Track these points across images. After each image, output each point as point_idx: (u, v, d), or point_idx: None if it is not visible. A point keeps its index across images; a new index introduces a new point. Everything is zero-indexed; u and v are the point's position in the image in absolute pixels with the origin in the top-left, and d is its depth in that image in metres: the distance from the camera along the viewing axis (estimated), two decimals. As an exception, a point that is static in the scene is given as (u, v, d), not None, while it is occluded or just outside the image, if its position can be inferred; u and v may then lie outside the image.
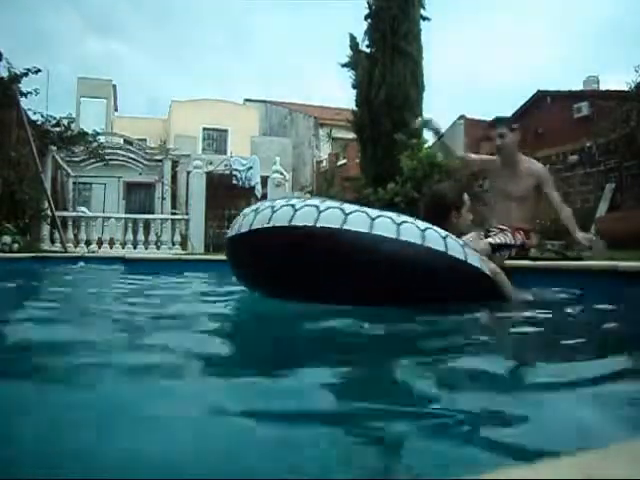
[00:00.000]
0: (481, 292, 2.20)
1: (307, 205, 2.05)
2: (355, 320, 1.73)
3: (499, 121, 3.80)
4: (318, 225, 1.98)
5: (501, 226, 3.54)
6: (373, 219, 2.00)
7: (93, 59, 66.58)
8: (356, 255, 2.00)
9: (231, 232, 2.31)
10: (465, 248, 2.14)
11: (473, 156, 4.05)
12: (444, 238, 2.08)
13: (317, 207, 2.03)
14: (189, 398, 0.93)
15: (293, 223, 1.99)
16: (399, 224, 2.02)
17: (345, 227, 1.97)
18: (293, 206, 2.05)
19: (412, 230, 2.02)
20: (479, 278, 2.16)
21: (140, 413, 0.82)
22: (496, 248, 3.32)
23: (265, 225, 2.06)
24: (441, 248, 2.03)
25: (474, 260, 2.16)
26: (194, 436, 0.74)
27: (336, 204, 2.11)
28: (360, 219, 2.00)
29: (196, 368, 1.20)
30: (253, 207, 2.27)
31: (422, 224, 2.10)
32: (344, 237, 1.97)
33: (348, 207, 2.07)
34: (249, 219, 2.16)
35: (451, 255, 2.05)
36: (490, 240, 3.36)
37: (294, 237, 2.03)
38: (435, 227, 2.12)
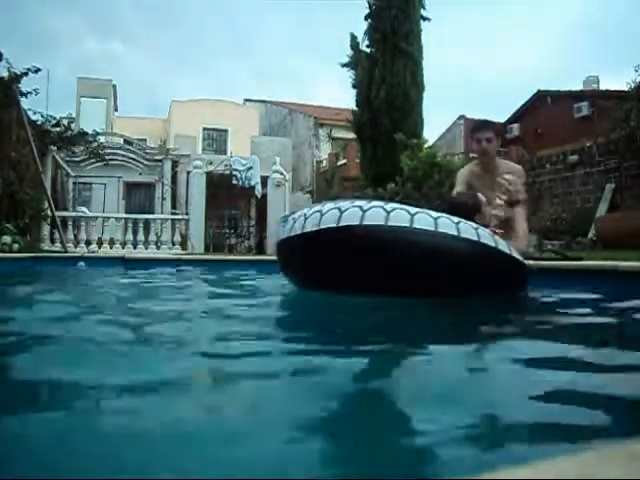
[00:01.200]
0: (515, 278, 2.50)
1: (375, 207, 2.26)
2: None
3: (487, 125, 3.74)
4: (415, 225, 2.19)
5: (494, 229, 3.53)
6: (436, 219, 2.23)
7: (93, 59, 66.66)
8: (421, 251, 2.21)
9: (291, 232, 2.42)
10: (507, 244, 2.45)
11: (458, 189, 3.93)
12: (492, 236, 2.38)
13: (384, 208, 2.25)
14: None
15: (364, 222, 2.20)
16: (457, 223, 2.27)
17: (414, 226, 2.18)
18: (361, 207, 2.24)
19: (468, 229, 2.28)
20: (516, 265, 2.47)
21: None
22: None
23: (335, 224, 2.22)
24: (492, 243, 2.32)
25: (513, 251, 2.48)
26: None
27: (401, 206, 2.33)
28: (425, 220, 2.22)
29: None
30: (315, 209, 2.40)
31: (473, 224, 2.35)
32: (416, 236, 2.19)
33: (413, 209, 2.29)
34: (314, 219, 2.30)
35: (500, 249, 2.34)
36: None
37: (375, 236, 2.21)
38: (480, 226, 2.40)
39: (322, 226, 2.24)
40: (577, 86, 18.87)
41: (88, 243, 10.85)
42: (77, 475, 0.62)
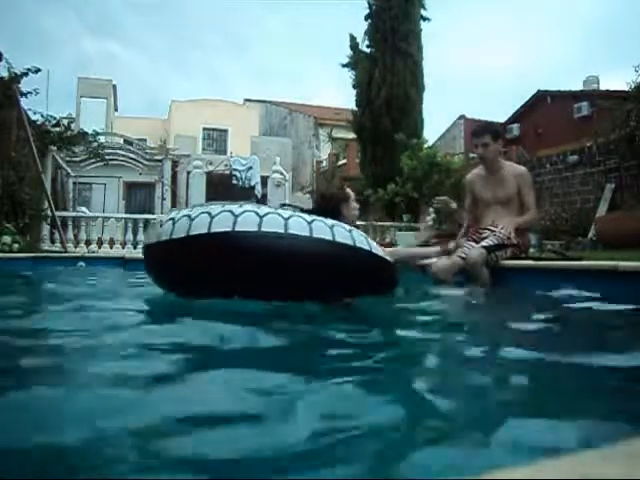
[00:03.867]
0: (384, 277, 2.36)
1: (247, 211, 2.15)
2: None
3: (483, 130, 3.77)
4: (262, 230, 2.08)
5: (491, 227, 3.56)
6: (287, 219, 2.11)
7: (91, 60, 66.68)
8: (282, 255, 2.09)
9: (161, 237, 2.27)
10: (368, 239, 2.30)
11: (466, 204, 3.92)
12: (350, 232, 2.21)
13: (257, 213, 2.14)
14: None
15: (237, 229, 2.07)
16: (310, 222, 2.13)
17: (263, 229, 2.06)
18: (232, 212, 2.13)
19: (323, 228, 2.13)
20: (383, 264, 2.32)
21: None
22: (491, 250, 3.34)
23: (204, 231, 2.11)
24: (349, 242, 2.16)
25: (377, 249, 2.32)
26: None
27: (254, 208, 2.19)
28: (275, 221, 2.09)
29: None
30: (183, 213, 2.28)
31: (330, 221, 2.20)
32: (273, 240, 2.06)
33: (263, 210, 2.17)
34: (182, 225, 2.18)
35: (359, 247, 2.18)
36: (483, 244, 3.38)
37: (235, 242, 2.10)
38: (340, 223, 2.25)
39: (192, 232, 2.12)
40: (577, 86, 18.88)
41: (88, 243, 10.84)
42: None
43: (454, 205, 3.86)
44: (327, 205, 2.65)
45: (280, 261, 2.08)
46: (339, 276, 2.17)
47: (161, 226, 2.27)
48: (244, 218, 2.08)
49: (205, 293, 2.16)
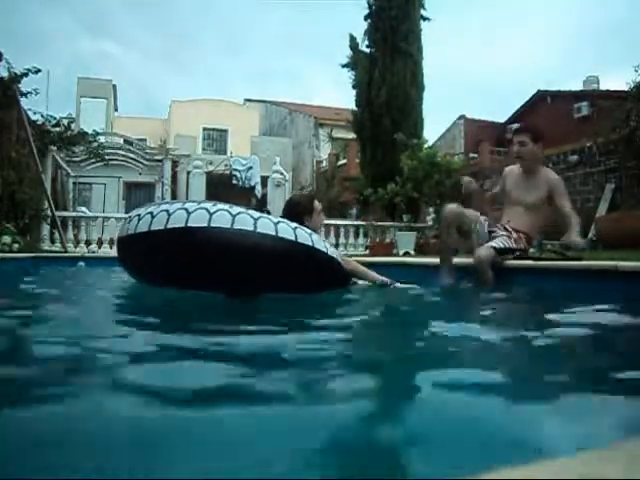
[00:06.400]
0: (333, 275, 2.54)
1: (200, 208, 2.31)
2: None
3: (525, 129, 3.75)
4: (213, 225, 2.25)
5: (506, 226, 3.55)
6: (256, 219, 2.29)
7: (89, 60, 66.68)
8: (242, 250, 2.26)
9: (138, 229, 2.38)
10: (312, 236, 2.46)
11: (498, 187, 3.96)
12: (296, 231, 2.38)
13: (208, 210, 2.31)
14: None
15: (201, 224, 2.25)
16: (276, 223, 2.33)
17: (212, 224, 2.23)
18: (207, 209, 2.29)
19: (268, 224, 2.31)
20: (331, 262, 2.50)
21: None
22: (499, 252, 3.34)
23: (181, 225, 2.26)
24: (308, 242, 2.36)
25: (330, 250, 2.51)
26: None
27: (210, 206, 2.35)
28: (245, 220, 2.27)
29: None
30: (158, 208, 2.40)
31: (276, 218, 2.41)
32: (236, 236, 2.23)
33: (212, 207, 2.32)
34: (161, 219, 2.31)
35: (316, 247, 2.39)
36: (493, 244, 3.38)
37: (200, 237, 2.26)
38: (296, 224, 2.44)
39: (152, 228, 2.28)
40: (577, 86, 18.91)
41: (88, 243, 10.84)
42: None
43: (474, 185, 3.86)
44: (290, 215, 2.77)
45: (226, 253, 2.24)
46: (282, 268, 2.33)
47: (129, 221, 2.45)
48: (196, 215, 2.25)
49: (169, 284, 2.39)
